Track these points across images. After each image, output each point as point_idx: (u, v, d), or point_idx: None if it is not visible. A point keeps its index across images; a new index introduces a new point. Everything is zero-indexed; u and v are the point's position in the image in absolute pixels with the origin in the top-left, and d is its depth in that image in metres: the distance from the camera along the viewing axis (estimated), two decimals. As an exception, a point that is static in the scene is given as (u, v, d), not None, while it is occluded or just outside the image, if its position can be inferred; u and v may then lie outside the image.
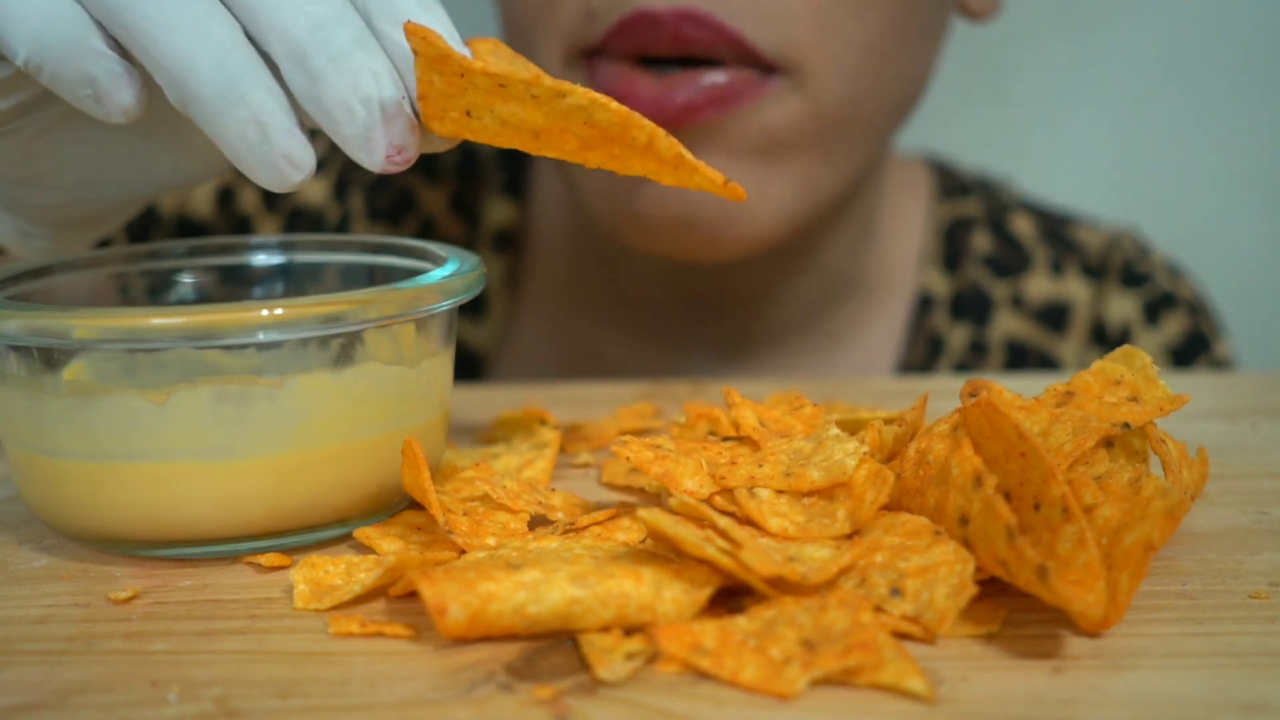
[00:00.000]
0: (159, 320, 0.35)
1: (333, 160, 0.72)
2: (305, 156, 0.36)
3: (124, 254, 0.45)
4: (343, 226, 0.71)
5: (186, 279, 0.46)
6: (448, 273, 0.39)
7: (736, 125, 0.54)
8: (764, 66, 0.53)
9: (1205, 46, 0.94)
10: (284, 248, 0.46)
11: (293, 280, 0.46)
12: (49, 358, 0.37)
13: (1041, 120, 0.96)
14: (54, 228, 0.45)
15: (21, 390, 0.37)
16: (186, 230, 0.71)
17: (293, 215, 0.71)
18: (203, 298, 0.46)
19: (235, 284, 0.46)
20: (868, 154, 0.60)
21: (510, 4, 0.59)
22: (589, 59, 0.55)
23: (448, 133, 0.37)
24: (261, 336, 0.35)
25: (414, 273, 0.42)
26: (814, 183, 0.57)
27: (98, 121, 0.40)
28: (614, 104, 0.36)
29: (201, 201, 0.71)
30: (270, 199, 0.71)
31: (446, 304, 0.39)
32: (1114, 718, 0.29)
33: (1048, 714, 0.29)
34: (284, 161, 0.36)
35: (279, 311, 0.35)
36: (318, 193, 0.71)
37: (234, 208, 0.71)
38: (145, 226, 0.71)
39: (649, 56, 0.53)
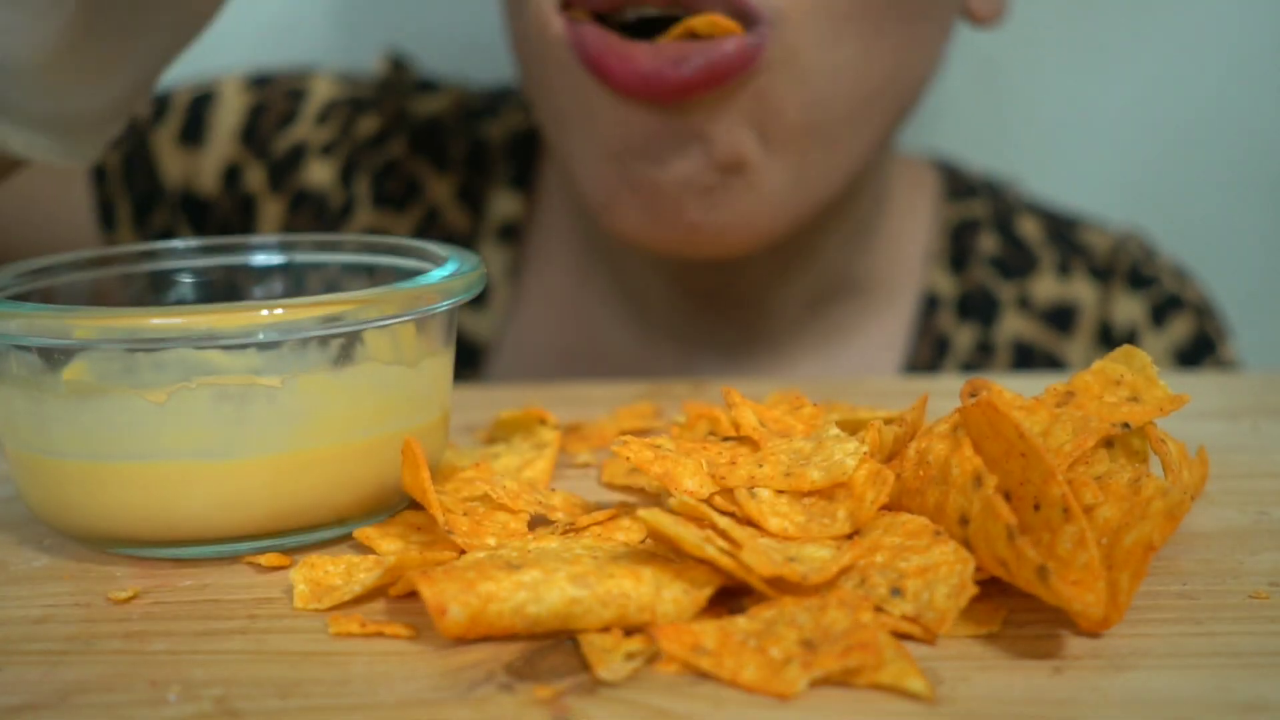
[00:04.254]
0: (159, 320, 0.35)
1: (341, 144, 0.72)
2: None
3: (124, 254, 0.45)
4: (347, 211, 0.71)
5: (187, 279, 0.46)
6: (448, 273, 0.39)
7: (730, 97, 0.53)
8: (748, 16, 0.52)
9: (1210, 50, 0.94)
10: (284, 248, 0.46)
11: (293, 280, 0.46)
12: (49, 358, 0.37)
13: (1045, 123, 0.96)
14: (97, 131, 0.45)
15: (21, 390, 0.37)
16: (190, 205, 0.71)
17: (297, 197, 0.71)
18: (203, 298, 0.46)
19: (235, 284, 0.46)
20: (865, 146, 0.59)
21: None
22: (563, 13, 0.54)
23: None
24: (261, 336, 0.35)
25: (414, 273, 0.42)
26: (809, 174, 0.57)
27: None
28: None
29: (207, 179, 0.71)
30: (275, 179, 0.71)
31: (446, 304, 0.39)
32: (1114, 718, 0.29)
33: (1048, 714, 0.29)
34: None
35: (279, 311, 0.35)
36: (324, 176, 0.71)
37: (239, 187, 0.71)
38: (149, 200, 0.70)
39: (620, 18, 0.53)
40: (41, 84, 0.43)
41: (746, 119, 0.54)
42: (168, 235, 0.70)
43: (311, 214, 0.71)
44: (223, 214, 0.71)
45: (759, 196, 0.56)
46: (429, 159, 0.72)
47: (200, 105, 0.72)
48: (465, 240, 0.71)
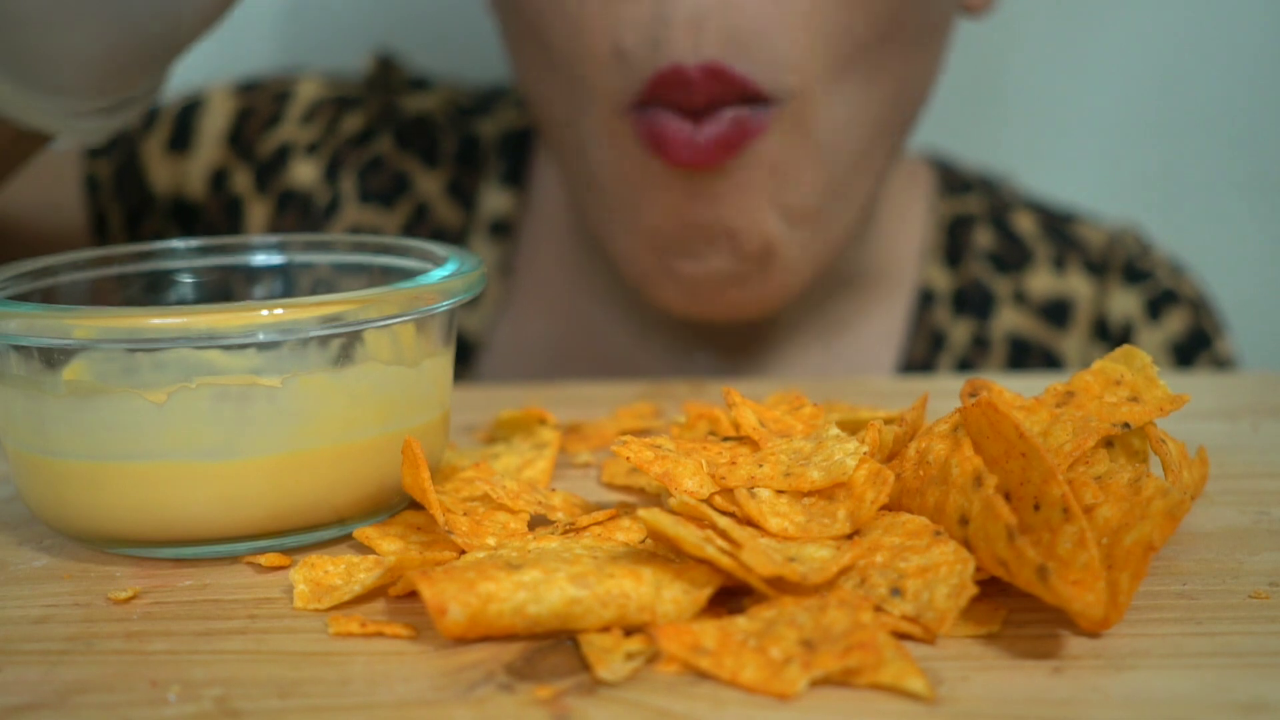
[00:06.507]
0: (159, 320, 0.35)
1: (326, 142, 0.72)
2: None
3: (124, 254, 0.45)
4: (333, 208, 0.71)
5: (186, 279, 0.46)
6: (448, 272, 0.39)
7: (747, 167, 0.56)
8: (765, 101, 0.55)
9: (1204, 45, 0.94)
10: (284, 248, 0.46)
11: (292, 280, 0.46)
12: (49, 358, 0.37)
13: (1040, 119, 0.96)
14: (94, 92, 0.46)
15: (21, 390, 0.37)
16: (180, 211, 0.72)
17: (283, 197, 0.71)
18: (203, 298, 0.46)
19: (235, 284, 0.46)
20: (876, 178, 0.61)
21: (536, 61, 0.59)
22: (634, 111, 0.55)
23: None
24: (261, 336, 0.35)
25: (414, 273, 0.42)
26: (832, 228, 0.59)
27: None
28: None
29: (195, 184, 0.71)
30: (261, 181, 0.71)
31: (446, 304, 0.39)
32: (1114, 718, 0.29)
33: (1048, 714, 0.29)
34: None
35: (279, 311, 0.35)
36: (308, 174, 0.71)
37: (226, 189, 0.71)
38: (141, 208, 0.71)
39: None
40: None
41: (769, 199, 0.57)
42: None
43: (297, 213, 0.71)
44: (210, 217, 0.72)
45: (791, 269, 0.59)
46: (418, 155, 0.72)
47: (188, 113, 0.72)
48: (456, 236, 0.72)
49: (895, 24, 0.56)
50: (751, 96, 0.54)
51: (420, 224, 0.71)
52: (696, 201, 0.56)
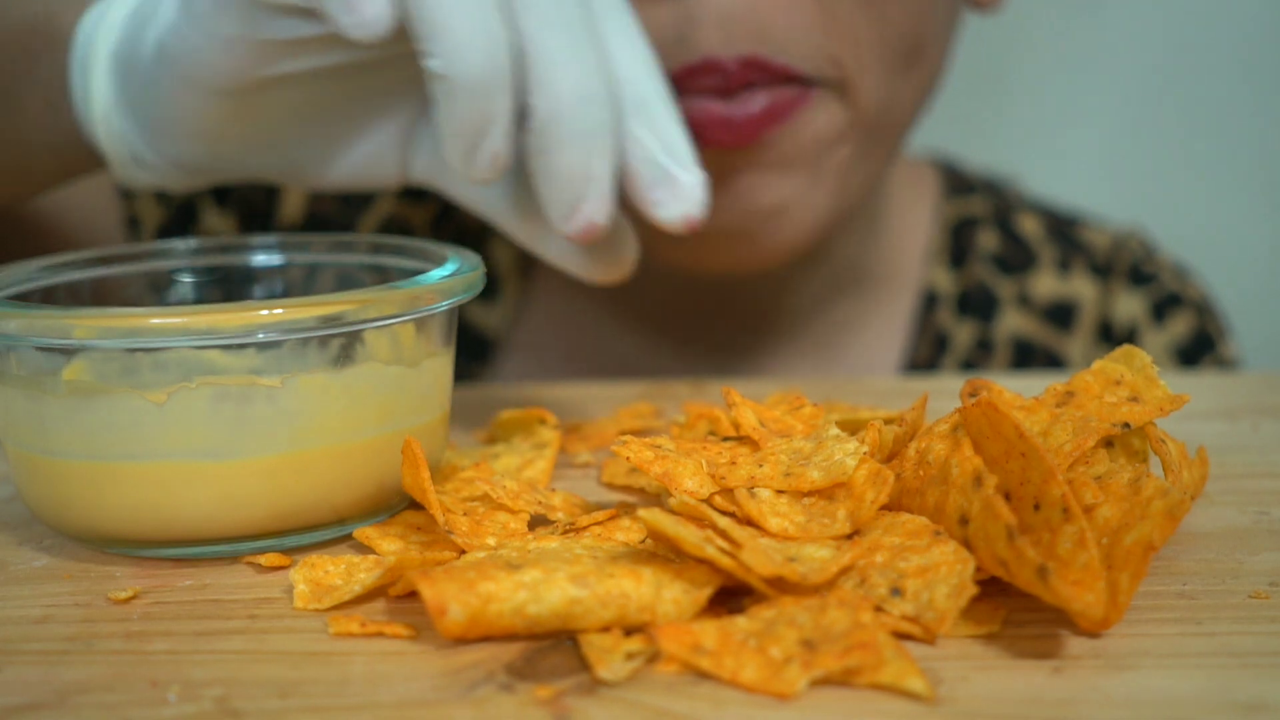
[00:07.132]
0: (159, 320, 0.35)
1: None
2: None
3: (124, 254, 0.45)
4: (369, 197, 0.70)
5: (186, 279, 0.46)
6: (447, 272, 0.39)
7: (790, 137, 0.55)
8: (808, 83, 0.55)
9: (1206, 46, 0.94)
10: (284, 248, 0.46)
11: (293, 280, 0.46)
12: (49, 358, 0.37)
13: (1042, 120, 0.96)
14: (173, 168, 0.47)
15: (21, 390, 0.37)
16: (213, 187, 0.71)
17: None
18: (203, 298, 0.46)
19: (235, 284, 0.46)
20: (895, 153, 0.62)
21: None
22: None
23: None
24: (261, 336, 0.35)
25: (414, 273, 0.42)
26: (848, 187, 0.59)
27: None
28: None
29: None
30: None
31: (446, 304, 0.39)
32: (1114, 718, 0.29)
33: (1048, 714, 0.29)
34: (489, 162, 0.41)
35: (279, 311, 0.35)
36: None
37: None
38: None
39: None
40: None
41: (799, 159, 0.56)
42: (191, 211, 0.70)
43: (335, 198, 0.70)
44: (244, 193, 0.70)
45: (801, 226, 0.58)
46: None
47: None
48: (479, 234, 0.71)
49: (930, 19, 0.57)
50: (794, 79, 0.54)
51: (447, 220, 0.71)
52: (732, 179, 0.56)
